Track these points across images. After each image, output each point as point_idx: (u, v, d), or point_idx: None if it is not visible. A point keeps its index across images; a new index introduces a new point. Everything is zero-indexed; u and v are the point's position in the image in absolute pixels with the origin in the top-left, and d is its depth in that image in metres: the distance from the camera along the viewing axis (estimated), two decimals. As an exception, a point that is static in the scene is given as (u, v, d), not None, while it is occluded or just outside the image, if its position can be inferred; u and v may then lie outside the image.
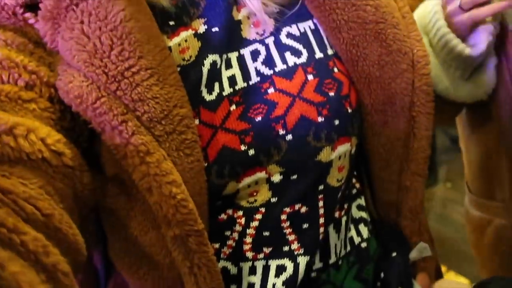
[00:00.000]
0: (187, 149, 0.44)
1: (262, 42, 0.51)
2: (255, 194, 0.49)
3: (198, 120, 0.46)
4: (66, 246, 0.36)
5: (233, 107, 0.47)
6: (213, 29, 0.48)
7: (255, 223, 0.50)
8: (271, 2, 0.51)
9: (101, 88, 0.40)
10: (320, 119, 0.49)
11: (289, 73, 0.50)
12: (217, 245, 0.50)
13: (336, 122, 0.50)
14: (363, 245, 0.59)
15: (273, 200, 0.50)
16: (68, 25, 0.41)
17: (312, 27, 0.54)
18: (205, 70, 0.47)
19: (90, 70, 0.40)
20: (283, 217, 0.50)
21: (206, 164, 0.46)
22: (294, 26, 0.52)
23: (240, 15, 0.51)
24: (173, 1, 0.47)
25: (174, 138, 0.43)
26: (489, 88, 0.74)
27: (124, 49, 0.41)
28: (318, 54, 0.52)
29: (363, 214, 0.61)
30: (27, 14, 0.42)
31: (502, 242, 0.84)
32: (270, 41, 0.51)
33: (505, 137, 0.79)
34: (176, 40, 0.47)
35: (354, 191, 0.60)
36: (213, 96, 0.47)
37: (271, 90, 0.49)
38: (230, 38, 0.49)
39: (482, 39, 0.67)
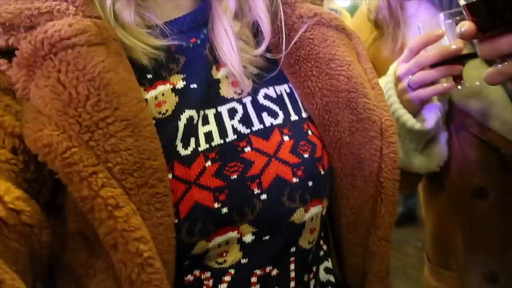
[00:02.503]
0: (157, 203, 0.42)
1: (239, 101, 0.52)
2: (225, 254, 0.48)
3: (171, 174, 0.45)
4: None
5: (209, 163, 0.47)
6: (192, 85, 0.49)
7: (223, 286, 0.48)
8: (251, 65, 0.53)
9: (73, 138, 0.39)
10: (295, 180, 0.49)
11: (266, 133, 0.50)
12: None
13: (310, 183, 0.51)
14: None
15: (244, 261, 0.48)
16: (44, 73, 0.40)
17: (288, 90, 0.56)
18: (181, 124, 0.47)
19: (62, 119, 0.39)
20: (253, 279, 0.48)
21: (176, 221, 0.44)
22: (271, 88, 0.54)
23: (219, 74, 0.52)
24: (153, 56, 0.48)
25: (145, 192, 0.41)
26: (440, 161, 0.79)
27: (101, 99, 0.40)
28: (293, 117, 0.54)
29: (331, 278, 0.60)
30: (0, 61, 0.41)
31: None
32: (247, 100, 0.52)
33: (457, 209, 0.83)
34: (153, 93, 0.47)
35: (322, 253, 0.59)
36: (188, 151, 0.46)
37: (247, 149, 0.49)
38: (208, 95, 0.50)
39: (431, 115, 0.73)
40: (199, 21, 0.53)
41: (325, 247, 0.60)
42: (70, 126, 0.39)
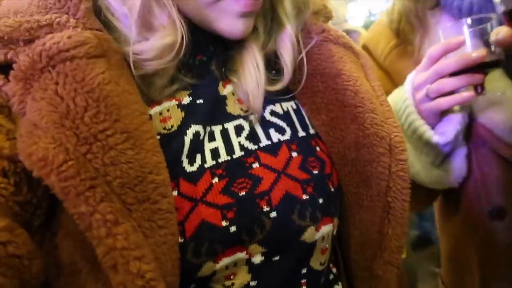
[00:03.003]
0: (160, 220, 0.39)
1: (246, 118, 0.50)
2: (232, 277, 0.45)
3: (176, 191, 0.43)
4: None
5: (216, 179, 0.45)
6: (198, 101, 0.48)
7: None
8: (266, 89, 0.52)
9: (70, 150, 0.37)
10: (305, 196, 0.48)
11: (273, 149, 0.49)
12: None
13: (320, 200, 0.49)
14: None
15: (253, 284, 0.46)
16: (42, 86, 0.38)
17: (294, 107, 0.55)
18: (187, 139, 0.45)
19: (59, 131, 0.37)
20: None
21: (182, 240, 0.41)
22: (277, 104, 0.53)
23: (225, 91, 0.51)
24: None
25: (147, 207, 0.39)
26: (459, 177, 0.75)
27: (100, 111, 0.38)
28: (301, 133, 0.52)
29: None
30: None
31: None
32: (253, 118, 0.51)
33: (473, 229, 0.79)
34: (157, 108, 0.46)
35: (331, 276, 0.56)
36: (194, 168, 0.45)
37: (256, 165, 0.47)
38: (215, 111, 0.49)
39: (450, 128, 0.69)
40: (206, 39, 0.51)
41: (334, 270, 0.57)
42: (67, 138, 0.37)
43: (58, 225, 0.40)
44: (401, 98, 0.71)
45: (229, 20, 0.47)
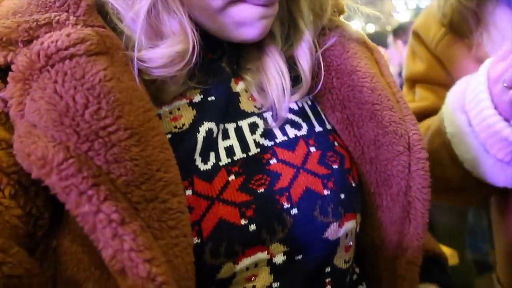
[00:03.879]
0: (171, 220, 0.37)
1: (260, 115, 0.49)
2: (253, 278, 0.43)
3: (191, 190, 0.41)
4: None
5: (232, 177, 0.43)
6: (209, 98, 0.47)
7: None
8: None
9: (70, 148, 0.35)
10: (326, 192, 0.46)
11: (291, 144, 0.48)
12: None
13: (342, 196, 0.47)
14: None
15: (275, 285, 0.43)
16: (40, 85, 0.37)
17: (309, 103, 0.53)
18: (200, 137, 0.43)
19: (59, 129, 0.35)
20: None
21: (198, 241, 0.39)
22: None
23: (238, 87, 0.50)
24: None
25: (155, 207, 0.36)
26: None
27: (101, 108, 0.36)
28: (318, 128, 0.51)
29: None
30: None
31: None
32: (268, 115, 0.49)
33: None
34: (167, 108, 0.45)
35: (355, 276, 0.54)
36: (208, 166, 0.43)
37: (273, 161, 0.46)
38: (228, 108, 0.47)
39: None
40: (216, 39, 0.50)
41: (357, 270, 0.55)
42: (67, 136, 0.35)
43: (64, 232, 0.38)
44: (474, 90, 0.65)
45: (242, 27, 0.44)
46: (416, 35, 0.84)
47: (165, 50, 0.42)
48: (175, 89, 0.45)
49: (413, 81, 0.87)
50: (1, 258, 0.32)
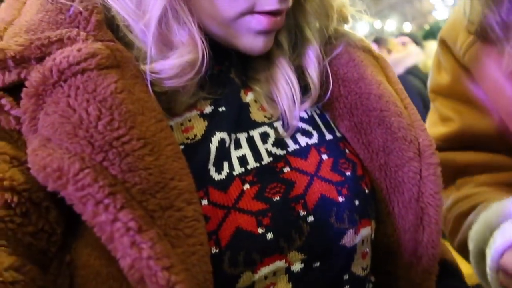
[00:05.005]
0: (187, 228, 0.37)
1: (270, 125, 0.49)
2: (272, 287, 0.42)
3: (206, 200, 0.41)
4: None
5: (247, 186, 0.43)
6: (220, 109, 0.47)
7: None
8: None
9: (86, 159, 0.35)
10: (341, 199, 0.46)
11: (303, 152, 0.48)
12: None
13: (357, 202, 0.47)
14: None
15: None
16: (54, 100, 0.37)
17: (318, 111, 0.54)
18: (213, 147, 0.44)
19: (73, 141, 0.36)
20: None
21: (217, 250, 0.39)
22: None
23: (248, 98, 0.50)
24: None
25: (171, 215, 0.36)
26: None
27: (114, 119, 0.37)
28: (328, 136, 0.51)
29: None
30: (3, 101, 0.38)
31: None
32: (278, 125, 0.49)
33: None
34: (178, 119, 0.45)
35: (371, 286, 0.53)
36: (222, 176, 0.43)
37: (287, 169, 0.46)
38: (239, 118, 0.48)
39: None
40: (223, 51, 0.50)
41: (373, 279, 0.54)
42: (82, 147, 0.36)
43: (81, 246, 0.38)
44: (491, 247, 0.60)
45: (249, 38, 0.45)
46: (443, 43, 0.78)
47: (176, 61, 0.42)
48: (185, 100, 0.45)
49: (437, 94, 0.82)
50: (14, 277, 0.32)
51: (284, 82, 0.50)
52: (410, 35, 3.01)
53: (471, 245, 0.66)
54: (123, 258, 0.34)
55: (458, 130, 0.77)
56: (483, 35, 0.70)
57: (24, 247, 0.36)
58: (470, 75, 0.75)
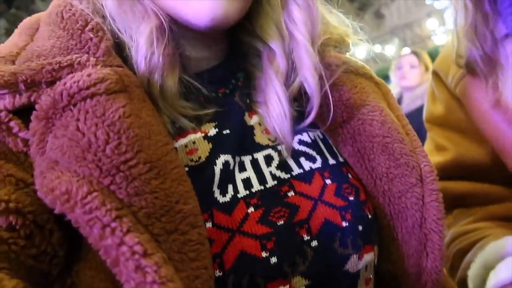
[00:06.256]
0: (191, 252, 0.37)
1: (274, 148, 0.49)
2: None
3: (211, 223, 0.41)
4: None
5: (251, 209, 0.43)
6: (224, 132, 0.48)
7: None
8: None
9: (94, 183, 0.36)
10: (344, 224, 0.46)
11: (307, 177, 0.48)
12: None
13: (360, 227, 0.47)
14: None
15: None
16: (63, 123, 0.38)
17: (321, 136, 0.54)
18: (217, 169, 0.44)
19: (82, 164, 0.36)
20: None
21: (220, 274, 0.39)
22: (305, 133, 0.53)
23: (252, 121, 0.51)
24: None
25: (176, 238, 0.37)
26: None
27: (121, 143, 0.38)
28: (331, 161, 0.51)
29: None
30: (12, 123, 0.39)
31: None
32: (282, 147, 0.50)
33: None
34: (182, 141, 0.46)
35: None
36: (227, 198, 0.43)
37: (291, 193, 0.46)
38: (243, 141, 0.48)
39: None
40: (229, 73, 0.52)
41: None
42: (90, 171, 0.36)
43: (84, 268, 0.38)
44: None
45: (195, 2, 0.44)
46: (436, 75, 0.81)
47: (141, 38, 0.44)
48: (188, 124, 0.46)
49: (432, 124, 0.84)
50: None
51: (273, 99, 0.50)
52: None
53: (471, 286, 0.67)
54: (127, 282, 0.34)
55: (453, 159, 0.78)
56: (470, 68, 0.72)
57: (26, 269, 0.36)
58: (462, 106, 0.77)
